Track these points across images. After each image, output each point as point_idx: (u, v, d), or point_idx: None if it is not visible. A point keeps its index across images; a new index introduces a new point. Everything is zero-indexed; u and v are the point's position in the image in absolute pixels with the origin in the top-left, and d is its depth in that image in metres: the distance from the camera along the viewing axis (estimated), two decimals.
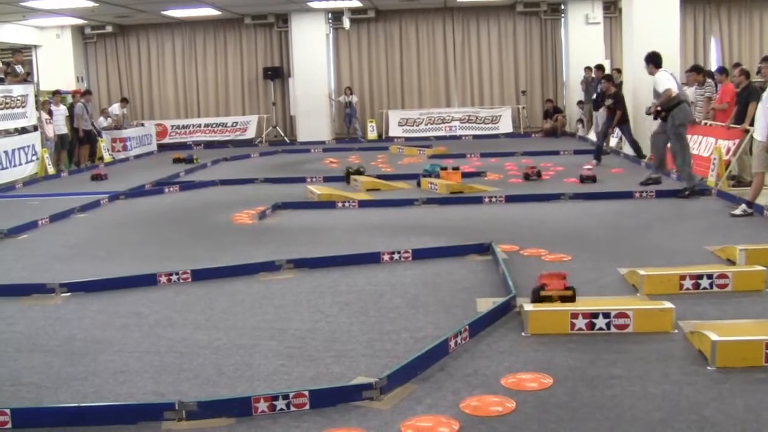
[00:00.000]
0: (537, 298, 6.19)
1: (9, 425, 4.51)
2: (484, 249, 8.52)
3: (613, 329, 5.73)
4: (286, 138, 26.05)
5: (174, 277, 7.82)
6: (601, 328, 5.73)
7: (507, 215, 11.07)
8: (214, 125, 26.52)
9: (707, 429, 4.19)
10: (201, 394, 4.89)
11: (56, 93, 20.70)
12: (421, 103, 26.32)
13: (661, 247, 8.62)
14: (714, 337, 5.08)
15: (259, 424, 4.48)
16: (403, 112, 26.04)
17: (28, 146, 17.85)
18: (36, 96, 18.61)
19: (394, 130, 25.63)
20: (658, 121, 12.75)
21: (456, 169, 14.41)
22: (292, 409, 4.59)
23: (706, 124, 14.50)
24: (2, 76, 17.88)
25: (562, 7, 25.19)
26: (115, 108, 23.61)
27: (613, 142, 18.86)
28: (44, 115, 18.96)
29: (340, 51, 26.51)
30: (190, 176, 17.18)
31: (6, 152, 16.84)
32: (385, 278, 7.68)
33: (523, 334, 5.80)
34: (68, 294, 7.53)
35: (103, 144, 21.52)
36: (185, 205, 13.01)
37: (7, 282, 8.03)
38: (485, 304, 6.43)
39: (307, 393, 4.63)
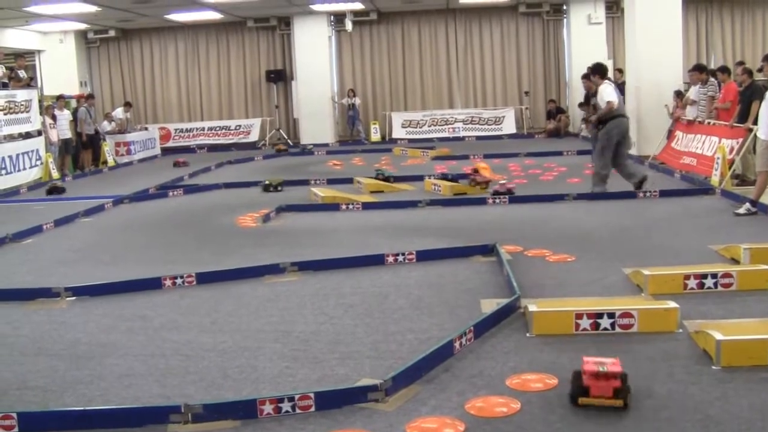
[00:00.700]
0: (574, 401, 4.57)
1: (16, 429, 4.52)
2: (488, 250, 8.52)
3: (617, 329, 5.73)
4: (289, 141, 26.06)
5: (179, 281, 7.84)
6: (605, 329, 5.73)
7: (511, 216, 11.08)
8: (218, 128, 26.54)
9: (712, 428, 4.20)
10: (206, 396, 4.90)
11: (60, 97, 20.72)
12: (424, 105, 26.33)
13: (666, 247, 8.62)
14: (719, 336, 5.08)
15: (265, 426, 4.48)
16: (406, 114, 26.06)
17: (32, 151, 17.87)
18: (40, 101, 18.65)
19: (398, 132, 25.64)
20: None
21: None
22: (298, 411, 4.59)
23: (709, 123, 14.49)
24: (6, 81, 17.92)
25: (564, 7, 25.20)
26: (119, 112, 23.65)
27: None
28: (48, 120, 19.00)
29: (342, 53, 26.53)
30: (194, 179, 17.20)
31: (10, 157, 16.86)
32: (390, 280, 7.69)
33: (527, 334, 5.80)
34: (73, 298, 7.54)
35: (107, 148, 21.55)
36: (189, 208, 13.03)
37: (12, 286, 8.04)
38: (489, 305, 6.43)
39: (312, 395, 4.63)
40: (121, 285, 7.77)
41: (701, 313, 6.09)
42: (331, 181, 15.19)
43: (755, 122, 11.52)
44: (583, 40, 24.23)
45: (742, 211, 10.28)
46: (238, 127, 26.49)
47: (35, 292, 7.68)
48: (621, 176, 12.44)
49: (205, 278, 7.91)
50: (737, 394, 4.60)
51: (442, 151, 20.43)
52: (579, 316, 5.76)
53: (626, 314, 5.74)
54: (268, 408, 4.57)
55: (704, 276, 6.74)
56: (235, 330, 6.32)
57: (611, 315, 5.74)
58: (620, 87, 18.24)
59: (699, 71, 15.48)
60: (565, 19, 25.52)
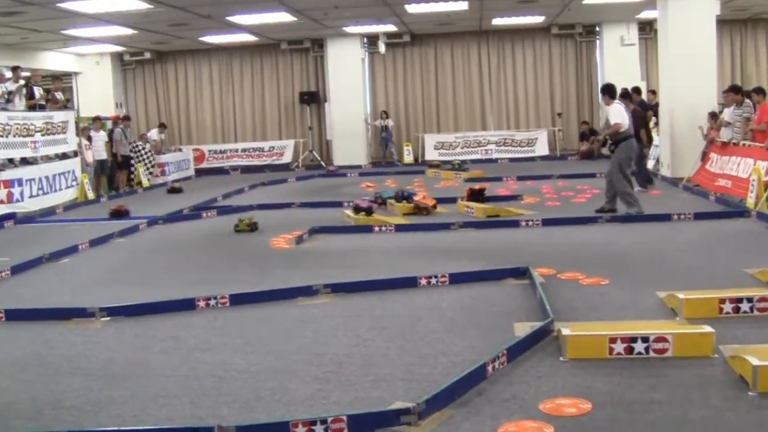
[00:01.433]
0: None
1: None
2: (521, 273, 8.49)
3: (652, 353, 5.68)
4: (322, 162, 26.17)
5: (212, 302, 7.87)
6: (639, 353, 5.68)
7: (544, 238, 11.04)
8: (251, 150, 26.71)
9: None
10: (239, 418, 4.91)
11: (96, 119, 20.96)
12: (456, 127, 26.36)
13: (700, 270, 8.55)
14: (755, 361, 5.02)
15: None
16: (439, 136, 26.09)
17: (69, 171, 18.08)
18: (76, 122, 18.87)
19: (430, 154, 25.65)
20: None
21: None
22: None
23: (744, 144, 14.39)
24: (43, 102, 18.16)
25: (597, 29, 25.14)
26: (154, 133, 23.88)
27: (650, 164, 18.70)
28: (84, 141, 19.21)
29: (375, 75, 26.64)
30: (228, 201, 17.30)
31: (47, 177, 17.06)
32: (423, 302, 7.68)
33: (561, 358, 5.77)
34: (108, 318, 7.60)
35: (143, 169, 21.74)
36: (223, 229, 13.08)
37: (48, 306, 8.13)
38: (523, 329, 6.40)
39: (345, 418, 4.61)
40: (155, 306, 7.83)
41: (737, 337, 6.02)
42: None
43: None
44: (616, 61, 24.11)
45: None
46: (271, 149, 26.63)
47: (71, 311, 7.75)
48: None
49: (238, 300, 7.94)
50: None
51: (474, 173, 20.41)
52: (613, 340, 5.72)
53: (661, 338, 5.69)
54: (300, 430, 4.56)
55: (740, 300, 6.67)
56: (268, 352, 6.34)
57: (645, 339, 5.69)
58: (654, 109, 18.21)
59: (734, 92, 15.39)
60: (597, 41, 25.47)
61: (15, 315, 7.83)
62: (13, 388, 5.75)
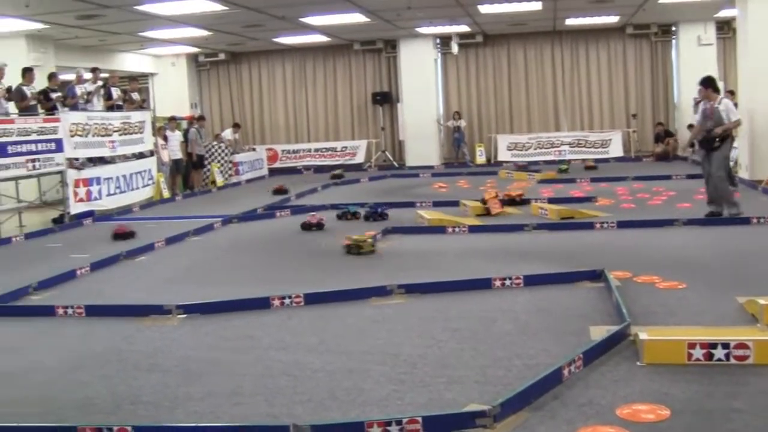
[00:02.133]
0: None
1: None
2: (596, 275, 8.38)
3: (732, 360, 5.55)
4: (395, 162, 26.22)
5: (287, 301, 7.93)
6: (719, 359, 5.56)
7: (619, 241, 10.89)
8: (324, 150, 26.88)
9: None
10: (314, 417, 4.92)
11: (171, 119, 21.32)
12: (530, 128, 26.18)
13: None
14: None
15: None
16: (512, 137, 25.93)
17: (145, 170, 18.39)
18: (153, 122, 19.19)
19: (503, 155, 25.53)
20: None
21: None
22: None
23: None
24: (121, 103, 18.50)
25: (673, 28, 24.76)
26: (228, 133, 24.17)
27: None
28: (160, 141, 19.53)
29: (448, 76, 26.60)
30: (301, 200, 17.42)
31: (124, 176, 17.37)
32: (497, 304, 7.64)
33: (638, 363, 5.67)
34: (184, 315, 7.71)
35: (217, 168, 22.01)
36: (296, 228, 13.15)
37: (126, 302, 8.28)
38: (599, 332, 6.32)
39: (420, 419, 4.60)
40: (230, 304, 7.91)
41: None
42: (437, 204, 15.20)
43: None
44: (693, 61, 23.66)
45: None
46: (344, 149, 26.76)
47: (148, 308, 7.88)
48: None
49: (312, 299, 7.98)
50: None
51: (548, 174, 20.25)
52: (692, 345, 5.61)
53: (741, 345, 5.56)
54: (375, 431, 4.57)
55: None
56: (342, 351, 6.36)
57: (726, 345, 5.57)
58: None
59: None
60: (673, 41, 25.09)
61: (95, 311, 8.00)
62: (93, 383, 5.86)
